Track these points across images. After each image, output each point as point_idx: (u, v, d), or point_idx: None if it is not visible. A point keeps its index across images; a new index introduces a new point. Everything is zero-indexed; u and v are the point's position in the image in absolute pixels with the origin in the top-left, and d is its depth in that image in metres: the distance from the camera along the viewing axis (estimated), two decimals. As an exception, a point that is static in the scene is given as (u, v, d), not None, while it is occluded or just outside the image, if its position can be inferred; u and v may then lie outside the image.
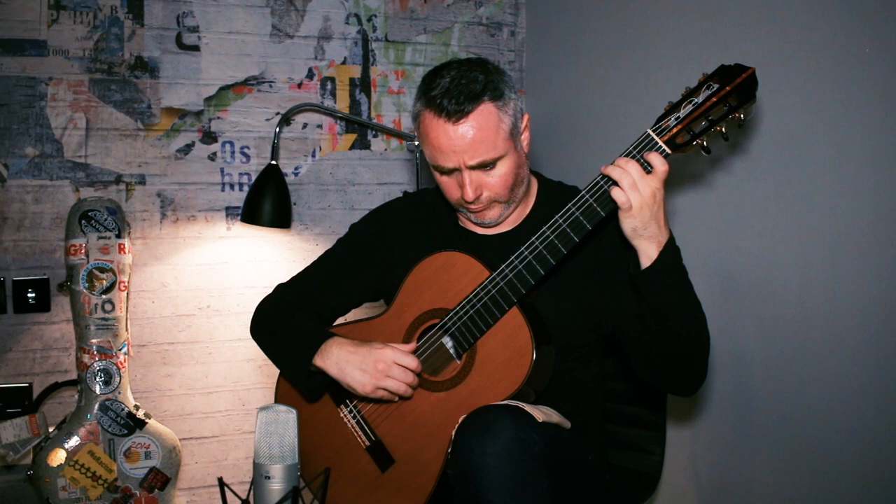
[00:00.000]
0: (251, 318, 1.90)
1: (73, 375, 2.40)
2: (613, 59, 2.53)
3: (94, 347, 2.23)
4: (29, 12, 2.48)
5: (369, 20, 2.85)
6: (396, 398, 1.69)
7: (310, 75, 2.78)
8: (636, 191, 1.45)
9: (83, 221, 2.25)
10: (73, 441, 2.20)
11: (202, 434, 2.70)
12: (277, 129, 2.61)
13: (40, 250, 2.51)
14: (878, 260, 1.75)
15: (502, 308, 1.58)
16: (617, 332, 1.66)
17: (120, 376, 2.25)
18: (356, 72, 2.84)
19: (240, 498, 1.54)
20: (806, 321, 1.91)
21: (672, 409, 2.19)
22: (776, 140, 1.97)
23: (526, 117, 1.68)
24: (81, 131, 2.55)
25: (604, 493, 1.75)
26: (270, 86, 2.74)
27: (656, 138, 1.46)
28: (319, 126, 2.81)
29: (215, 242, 2.70)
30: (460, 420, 1.51)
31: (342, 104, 2.83)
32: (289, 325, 1.81)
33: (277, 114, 2.74)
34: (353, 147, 2.85)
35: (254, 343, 1.89)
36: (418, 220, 1.84)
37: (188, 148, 2.66)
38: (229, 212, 2.71)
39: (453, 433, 1.50)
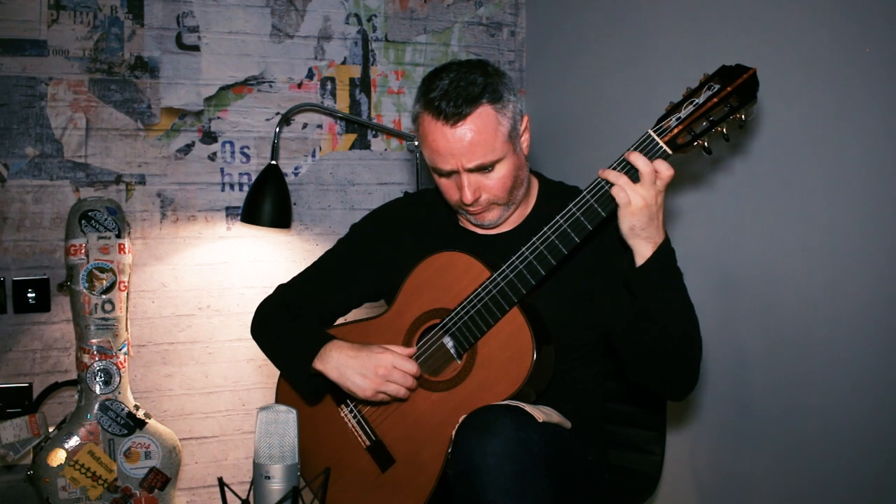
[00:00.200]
0: (252, 318, 1.90)
1: (73, 375, 2.40)
2: (614, 59, 2.53)
3: (94, 347, 2.23)
4: (29, 12, 2.48)
5: (369, 20, 2.85)
6: (394, 401, 1.69)
7: (310, 75, 2.78)
8: (635, 190, 1.45)
9: (83, 221, 2.25)
10: (73, 441, 2.20)
11: (202, 434, 2.70)
12: (277, 129, 2.61)
13: (40, 250, 2.51)
14: (878, 260, 1.75)
15: (503, 308, 1.58)
16: (611, 332, 1.67)
17: (120, 376, 2.25)
18: (356, 72, 2.84)
19: (240, 498, 1.54)
20: (806, 321, 1.91)
21: (672, 409, 2.19)
22: (777, 141, 1.97)
23: (525, 119, 1.67)
24: (81, 131, 2.55)
25: (604, 493, 1.75)
26: (270, 86, 2.74)
27: (657, 139, 1.46)
28: (319, 126, 2.81)
29: (215, 242, 2.70)
30: (461, 420, 1.50)
31: (342, 104, 2.83)
32: (289, 327, 1.81)
33: (277, 114, 2.74)
34: (353, 147, 2.85)
35: (254, 343, 1.90)
36: (419, 221, 1.84)
37: (188, 148, 2.66)
38: (229, 212, 2.71)
39: (453, 433, 1.50)
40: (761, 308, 2.02)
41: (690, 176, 2.20)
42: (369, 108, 2.86)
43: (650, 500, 2.03)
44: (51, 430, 2.25)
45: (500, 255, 1.61)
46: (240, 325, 2.70)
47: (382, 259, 1.84)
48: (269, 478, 1.51)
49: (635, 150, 1.48)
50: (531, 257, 1.56)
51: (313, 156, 2.80)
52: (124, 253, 2.28)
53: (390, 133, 2.86)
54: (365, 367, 1.65)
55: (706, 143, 1.46)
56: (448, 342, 1.67)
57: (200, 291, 2.68)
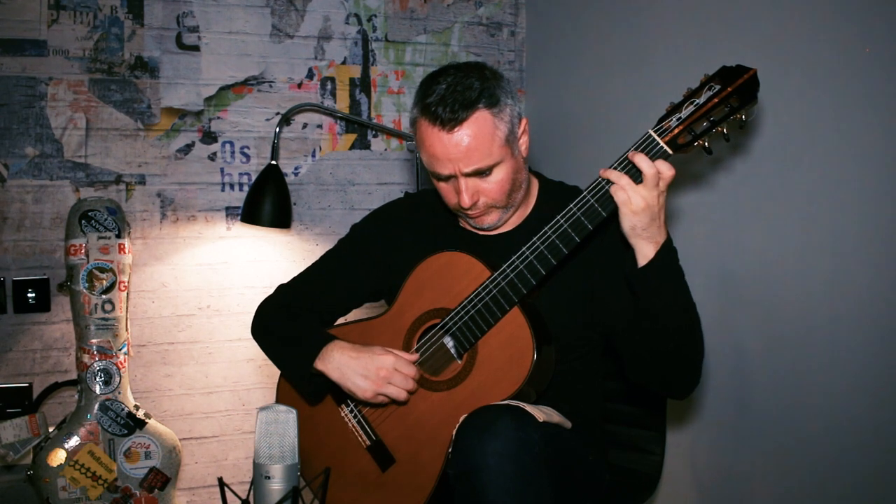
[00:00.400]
0: (252, 318, 1.90)
1: (73, 375, 2.40)
2: (614, 59, 2.53)
3: (94, 347, 2.23)
4: (29, 12, 2.48)
5: (369, 20, 2.85)
6: (393, 403, 1.70)
7: (310, 75, 2.78)
8: (637, 191, 1.45)
9: (83, 221, 2.25)
10: (73, 441, 2.20)
11: (202, 434, 2.70)
12: (277, 129, 2.61)
13: (40, 250, 2.51)
14: (878, 260, 1.75)
15: (503, 308, 1.58)
16: (612, 332, 1.66)
17: (120, 376, 2.25)
18: (356, 72, 2.84)
19: (240, 498, 1.54)
20: (806, 321, 1.91)
21: (672, 409, 2.19)
22: (777, 141, 1.97)
23: (524, 122, 1.67)
24: (81, 131, 2.55)
25: (604, 493, 1.75)
26: (270, 86, 2.74)
27: (658, 139, 1.46)
28: (319, 126, 2.81)
29: (215, 242, 2.70)
30: (461, 420, 1.51)
31: (342, 104, 2.83)
32: (290, 327, 1.81)
33: (277, 114, 2.74)
34: (353, 147, 2.85)
35: (254, 343, 1.89)
36: (419, 221, 1.84)
37: (188, 148, 2.66)
38: (229, 212, 2.71)
39: (454, 433, 1.50)
40: (761, 307, 2.02)
41: (691, 176, 2.20)
42: (369, 108, 2.86)
43: (650, 500, 2.03)
44: (51, 430, 2.25)
45: (500, 256, 1.61)
46: (240, 325, 2.70)
47: (383, 259, 1.84)
48: (269, 478, 1.51)
49: (636, 150, 1.48)
50: (531, 257, 1.56)
51: (313, 156, 2.80)
52: (124, 253, 2.28)
53: (390, 133, 2.86)
54: (367, 368, 1.65)
55: (707, 144, 1.47)
56: (448, 342, 1.67)
57: (200, 291, 2.68)
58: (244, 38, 2.71)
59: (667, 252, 1.50)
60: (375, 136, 2.88)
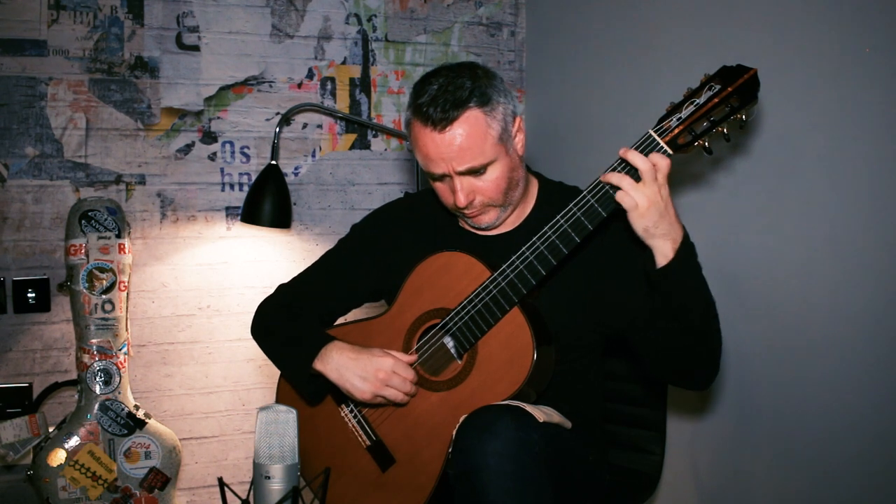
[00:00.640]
0: (252, 318, 1.90)
1: (73, 375, 2.40)
2: (614, 59, 2.53)
3: (94, 347, 2.23)
4: (29, 12, 2.48)
5: (369, 20, 2.85)
6: (392, 405, 1.70)
7: (310, 75, 2.78)
8: (639, 191, 1.45)
9: (83, 221, 2.25)
10: (73, 441, 2.20)
11: (202, 434, 2.70)
12: (277, 129, 2.60)
13: (40, 250, 2.51)
14: (878, 259, 1.75)
15: (503, 308, 1.58)
16: (628, 330, 1.66)
17: (120, 376, 2.25)
18: (356, 72, 2.84)
19: (240, 498, 1.54)
20: (806, 321, 1.91)
21: (672, 409, 2.19)
22: (777, 141, 1.97)
23: (518, 120, 1.67)
24: (81, 131, 2.55)
25: (604, 493, 1.75)
26: (270, 86, 2.74)
27: (658, 139, 1.46)
28: (319, 126, 2.81)
29: (215, 242, 2.70)
30: (461, 420, 1.51)
31: (342, 104, 2.83)
32: (289, 328, 1.81)
33: (277, 114, 2.73)
34: (353, 147, 2.85)
35: (254, 343, 1.90)
36: (419, 221, 1.85)
37: (188, 148, 2.66)
38: (229, 212, 2.71)
39: (454, 433, 1.50)
40: (762, 308, 2.02)
41: (691, 176, 2.20)
42: (369, 108, 2.86)
43: (650, 500, 2.04)
44: (51, 430, 2.25)
45: (500, 255, 1.61)
46: (240, 325, 2.70)
47: (383, 259, 1.84)
48: (269, 478, 1.51)
49: (636, 149, 1.48)
50: (531, 257, 1.56)
51: (313, 156, 2.80)
52: (124, 253, 2.28)
53: (390, 133, 2.86)
54: (365, 370, 1.65)
55: (707, 144, 1.47)
56: (448, 342, 1.67)
57: (200, 291, 2.68)
58: (244, 38, 2.71)
59: (685, 249, 1.50)
60: (375, 136, 2.88)
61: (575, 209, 1.53)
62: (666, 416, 1.95)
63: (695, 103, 1.44)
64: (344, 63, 2.82)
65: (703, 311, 1.55)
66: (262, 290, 2.63)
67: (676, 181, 2.23)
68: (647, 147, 1.47)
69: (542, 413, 1.55)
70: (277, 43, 2.74)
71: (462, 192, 1.62)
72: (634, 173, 1.47)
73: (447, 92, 1.59)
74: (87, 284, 2.23)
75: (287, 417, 1.53)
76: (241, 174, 2.72)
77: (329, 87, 2.81)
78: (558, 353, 1.63)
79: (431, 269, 1.70)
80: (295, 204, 2.76)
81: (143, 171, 2.61)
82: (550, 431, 1.56)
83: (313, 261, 1.95)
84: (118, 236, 2.27)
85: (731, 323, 2.08)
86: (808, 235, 1.90)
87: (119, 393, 2.25)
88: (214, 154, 2.69)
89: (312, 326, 1.81)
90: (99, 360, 2.23)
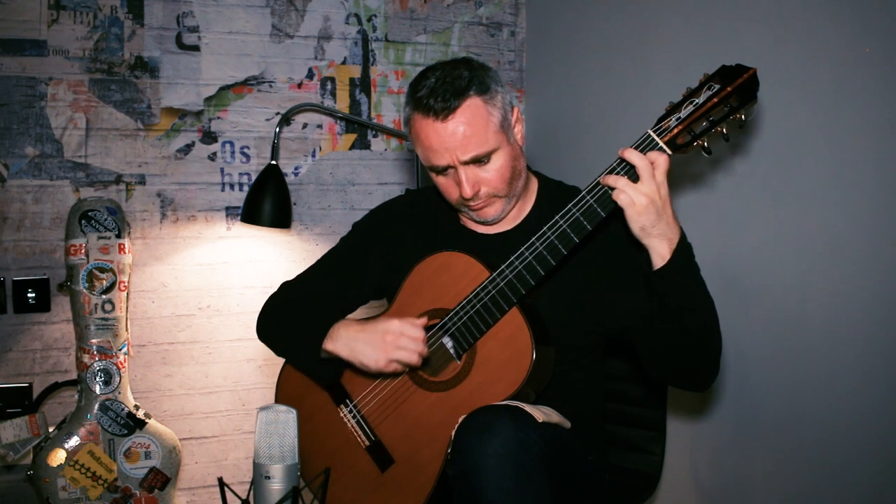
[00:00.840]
0: (257, 318, 1.89)
1: (73, 375, 2.40)
2: (614, 59, 2.52)
3: (94, 347, 2.23)
4: (29, 12, 2.48)
5: (369, 20, 2.85)
6: (408, 370, 1.67)
7: (310, 75, 2.78)
8: (636, 189, 1.45)
9: (83, 221, 2.25)
10: (73, 441, 2.20)
11: (202, 434, 2.70)
12: (277, 129, 2.61)
13: (40, 250, 2.51)
14: (878, 260, 1.75)
15: (502, 308, 1.58)
16: (628, 331, 1.66)
17: (120, 376, 2.25)
18: (356, 72, 2.84)
19: (240, 498, 1.54)
20: (806, 321, 1.91)
21: (672, 409, 2.19)
22: (777, 141, 1.97)
23: (516, 110, 1.68)
24: (81, 131, 2.55)
25: (604, 493, 1.75)
26: (270, 86, 2.74)
27: (657, 139, 1.46)
28: (319, 126, 2.81)
29: (215, 242, 2.70)
30: (460, 420, 1.50)
31: (342, 104, 2.83)
32: (295, 316, 1.81)
33: (277, 114, 2.74)
34: (353, 147, 2.85)
35: (254, 343, 1.89)
36: (420, 218, 1.85)
37: (188, 148, 2.66)
38: (229, 212, 2.71)
39: (453, 433, 1.50)
40: (761, 308, 2.02)
41: (690, 176, 2.20)
42: (369, 108, 2.86)
43: (650, 500, 2.03)
44: (51, 430, 2.25)
45: (499, 255, 1.61)
46: (240, 325, 2.70)
47: (384, 256, 1.84)
48: (269, 478, 1.51)
49: (635, 149, 1.48)
50: (531, 258, 1.56)
51: (313, 156, 2.80)
52: (124, 253, 2.28)
53: (390, 133, 2.86)
54: (373, 337, 1.62)
55: (706, 144, 1.46)
56: (447, 342, 1.67)
57: (200, 291, 2.68)
58: (244, 38, 2.71)
59: (682, 249, 1.49)
60: (375, 136, 2.88)
61: (574, 209, 1.53)
62: (666, 416, 1.95)
63: (694, 103, 1.44)
64: (344, 63, 2.82)
65: (702, 311, 1.54)
66: (262, 290, 2.63)
67: (676, 181, 2.23)
68: (645, 147, 1.47)
69: (541, 413, 1.55)
70: (277, 43, 2.74)
71: (468, 183, 1.62)
72: (633, 172, 1.47)
73: (446, 83, 1.59)
74: (87, 284, 2.23)
75: (287, 417, 1.53)
76: (241, 174, 2.72)
77: (329, 87, 2.81)
78: (557, 354, 1.63)
79: (430, 269, 1.70)
80: (295, 204, 2.76)
81: (143, 171, 2.61)
82: (550, 431, 1.56)
83: (314, 261, 1.95)
84: (118, 236, 2.27)
85: (731, 323, 2.08)
86: (808, 235, 1.90)
87: (119, 393, 2.25)
88: (214, 154, 2.69)
89: (317, 311, 1.79)
90: (99, 360, 2.23)
